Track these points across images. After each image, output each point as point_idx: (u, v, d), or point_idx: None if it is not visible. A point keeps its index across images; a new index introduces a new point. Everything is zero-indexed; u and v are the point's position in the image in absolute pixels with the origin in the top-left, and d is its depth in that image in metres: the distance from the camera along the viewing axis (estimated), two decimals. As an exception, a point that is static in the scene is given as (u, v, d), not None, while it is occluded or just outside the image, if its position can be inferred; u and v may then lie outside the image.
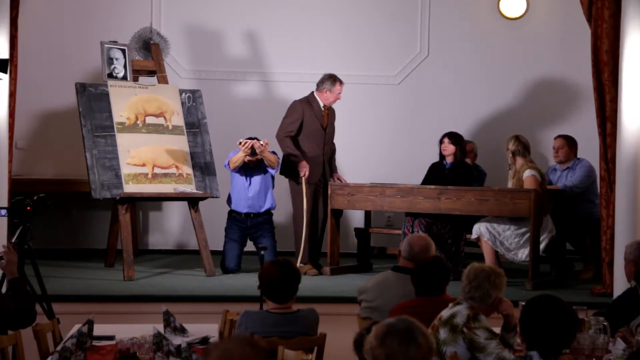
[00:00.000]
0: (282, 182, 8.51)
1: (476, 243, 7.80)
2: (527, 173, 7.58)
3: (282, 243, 8.33)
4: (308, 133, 8.21)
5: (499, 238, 7.55)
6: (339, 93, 8.23)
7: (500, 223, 7.58)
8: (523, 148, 7.70)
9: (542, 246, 7.52)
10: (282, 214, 8.84)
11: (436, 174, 8.14)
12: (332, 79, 8.21)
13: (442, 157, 8.17)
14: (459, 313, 4.26)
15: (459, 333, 4.20)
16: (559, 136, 8.42)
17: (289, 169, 8.19)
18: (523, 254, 7.51)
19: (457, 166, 8.07)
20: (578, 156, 8.34)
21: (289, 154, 8.14)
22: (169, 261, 8.76)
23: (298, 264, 7.87)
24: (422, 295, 4.71)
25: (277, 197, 8.33)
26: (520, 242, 7.52)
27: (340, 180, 8.37)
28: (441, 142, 8.15)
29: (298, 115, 8.19)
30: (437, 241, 7.61)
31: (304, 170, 8.07)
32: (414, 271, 4.85)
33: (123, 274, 7.58)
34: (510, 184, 7.77)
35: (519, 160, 7.68)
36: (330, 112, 8.35)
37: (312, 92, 8.29)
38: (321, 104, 8.24)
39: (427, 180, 8.18)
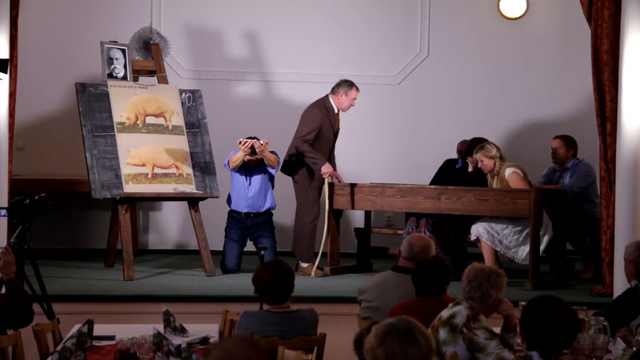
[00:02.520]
0: (282, 182, 8.51)
1: (476, 243, 7.79)
2: (509, 171, 7.60)
3: (282, 243, 8.34)
4: (321, 139, 8.11)
5: (497, 237, 7.55)
6: (354, 99, 8.09)
7: (498, 222, 7.57)
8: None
9: (542, 245, 7.51)
10: (282, 214, 8.83)
11: (453, 174, 8.10)
12: (349, 84, 8.07)
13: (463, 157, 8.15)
14: (458, 313, 4.26)
15: (458, 333, 4.20)
16: (557, 137, 8.40)
17: (295, 168, 8.14)
18: (523, 252, 7.51)
19: (478, 173, 8.04)
20: (578, 156, 8.32)
21: (310, 156, 7.99)
22: (169, 261, 8.76)
23: (316, 265, 7.91)
24: (423, 295, 4.71)
25: (277, 197, 8.33)
26: (520, 240, 7.51)
27: (339, 180, 8.36)
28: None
29: (318, 123, 8.06)
30: (444, 242, 7.63)
31: (329, 172, 7.96)
32: (414, 271, 4.85)
33: (123, 274, 7.58)
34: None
35: (498, 163, 7.67)
36: (339, 117, 8.30)
37: (327, 95, 8.18)
38: (335, 109, 8.18)
39: (440, 175, 8.15)
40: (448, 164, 8.32)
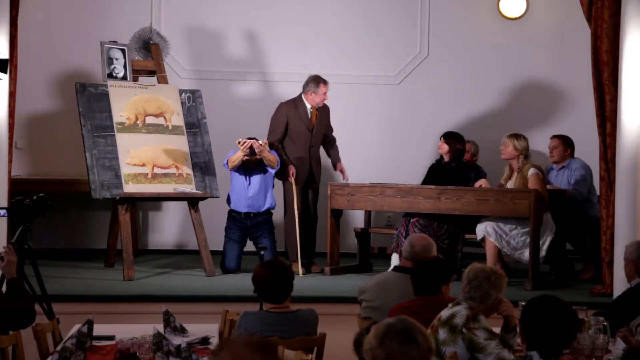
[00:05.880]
0: (282, 182, 8.52)
1: (478, 243, 7.78)
2: (532, 171, 7.59)
3: (281, 243, 8.33)
4: (293, 135, 8.24)
5: (505, 238, 7.52)
6: (324, 93, 8.19)
7: (507, 223, 7.55)
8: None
9: (545, 246, 7.50)
10: (281, 214, 8.83)
11: (435, 171, 8.13)
12: (315, 81, 8.18)
13: (441, 156, 8.18)
14: (458, 313, 4.25)
15: (458, 333, 4.20)
16: (554, 136, 8.44)
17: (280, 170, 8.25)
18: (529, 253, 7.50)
19: (456, 167, 8.05)
20: (576, 156, 8.35)
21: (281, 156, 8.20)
22: (169, 261, 8.76)
23: (300, 263, 7.96)
24: (420, 294, 4.71)
25: (277, 197, 8.33)
26: (527, 242, 7.48)
27: (342, 173, 8.35)
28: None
29: (282, 118, 8.24)
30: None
31: (292, 171, 8.13)
32: (412, 271, 4.85)
33: (123, 274, 7.58)
34: (510, 184, 7.74)
35: (521, 159, 7.68)
36: (320, 112, 8.31)
37: (300, 94, 8.30)
38: (308, 106, 8.25)
39: (426, 180, 8.18)
40: (433, 166, 8.31)
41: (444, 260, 6.88)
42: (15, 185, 7.65)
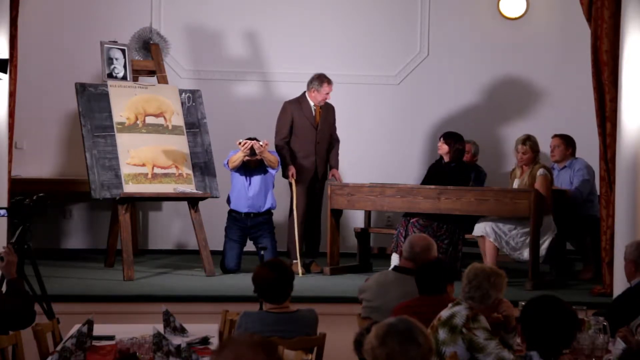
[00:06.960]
0: (282, 182, 8.52)
1: (477, 243, 7.77)
2: (541, 172, 7.61)
3: (282, 243, 8.33)
4: (298, 133, 8.26)
5: (504, 238, 7.52)
6: (327, 93, 8.23)
7: (506, 223, 7.55)
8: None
9: (544, 246, 7.49)
10: (282, 214, 8.83)
11: (436, 172, 8.13)
12: (319, 80, 8.22)
13: (441, 156, 8.18)
14: (458, 313, 4.25)
15: (458, 333, 4.20)
16: (556, 135, 8.43)
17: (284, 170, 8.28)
18: (529, 253, 7.49)
19: (456, 167, 8.05)
20: (577, 156, 8.34)
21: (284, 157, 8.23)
22: (169, 261, 8.76)
23: (299, 264, 7.97)
24: (425, 294, 4.70)
25: (277, 197, 8.33)
26: (526, 242, 7.48)
27: (336, 178, 8.36)
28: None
29: (287, 117, 8.26)
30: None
31: (291, 171, 8.17)
32: (416, 271, 4.85)
33: (123, 274, 7.58)
34: (517, 183, 7.72)
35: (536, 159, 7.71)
36: (324, 111, 8.33)
37: (304, 92, 8.32)
38: (312, 104, 8.27)
39: (426, 180, 8.17)
40: (433, 166, 8.31)
41: (445, 260, 6.95)
42: (15, 185, 7.65)
